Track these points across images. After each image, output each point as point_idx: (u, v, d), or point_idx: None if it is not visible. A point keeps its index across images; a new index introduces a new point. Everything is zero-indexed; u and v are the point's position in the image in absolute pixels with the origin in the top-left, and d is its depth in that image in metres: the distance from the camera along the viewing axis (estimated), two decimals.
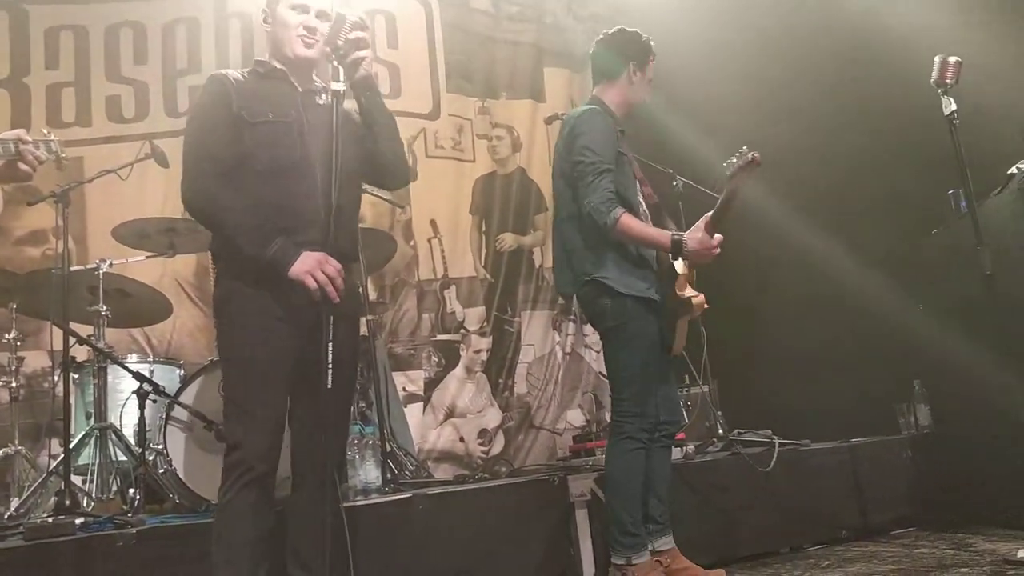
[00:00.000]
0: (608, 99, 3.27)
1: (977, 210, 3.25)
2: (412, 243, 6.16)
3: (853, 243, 4.90)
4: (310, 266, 2.26)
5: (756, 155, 2.86)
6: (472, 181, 6.50)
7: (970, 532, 3.75)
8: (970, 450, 3.91)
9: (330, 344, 2.09)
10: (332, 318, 2.14)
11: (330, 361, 2.08)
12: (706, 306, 3.32)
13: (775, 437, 4.19)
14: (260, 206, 2.34)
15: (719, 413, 4.99)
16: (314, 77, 2.58)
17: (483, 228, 6.48)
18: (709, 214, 3.02)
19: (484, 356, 6.23)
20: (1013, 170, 3.59)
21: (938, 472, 4.15)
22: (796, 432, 4.42)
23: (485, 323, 6.29)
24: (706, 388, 5.10)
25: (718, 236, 3.02)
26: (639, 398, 3.07)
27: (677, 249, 3.00)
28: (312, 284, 2.24)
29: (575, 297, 3.26)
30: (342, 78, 2.27)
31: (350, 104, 2.49)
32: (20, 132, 2.49)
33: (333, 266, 2.27)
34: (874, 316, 4.71)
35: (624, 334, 3.07)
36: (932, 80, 3.34)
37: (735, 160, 2.91)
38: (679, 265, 3.21)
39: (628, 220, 2.99)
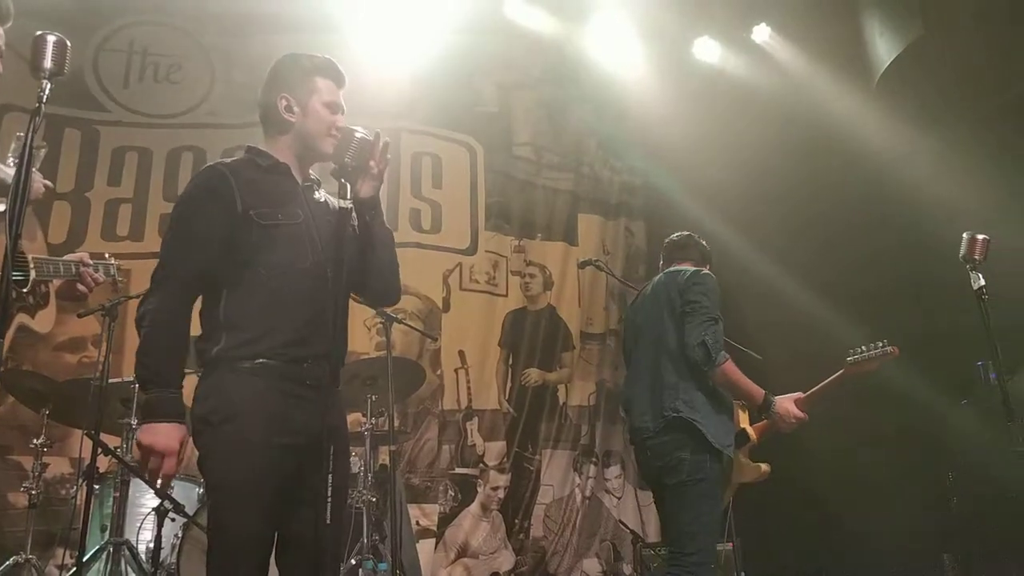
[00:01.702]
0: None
1: (1010, 384, 3.27)
2: (439, 372, 6.21)
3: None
4: (162, 444, 2.07)
5: (895, 349, 3.16)
6: (503, 315, 6.62)
7: None
8: None
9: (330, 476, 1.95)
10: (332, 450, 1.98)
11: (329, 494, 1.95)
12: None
13: None
14: (269, 312, 2.19)
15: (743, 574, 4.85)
16: (310, 171, 2.46)
17: (510, 361, 6.54)
18: (812, 390, 3.25)
19: (501, 494, 6.14)
20: None
21: None
22: None
23: (505, 459, 6.24)
24: (729, 545, 4.98)
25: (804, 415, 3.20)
26: (708, 553, 3.06)
27: (766, 407, 3.18)
28: (144, 458, 2.10)
29: (643, 442, 3.26)
30: (349, 195, 2.16)
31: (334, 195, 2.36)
32: (83, 255, 2.61)
33: (172, 463, 2.10)
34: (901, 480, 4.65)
35: (698, 488, 3.09)
36: (961, 256, 3.43)
37: (865, 349, 3.17)
38: (750, 433, 3.39)
39: (733, 366, 3.15)
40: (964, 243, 3.41)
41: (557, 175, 7.12)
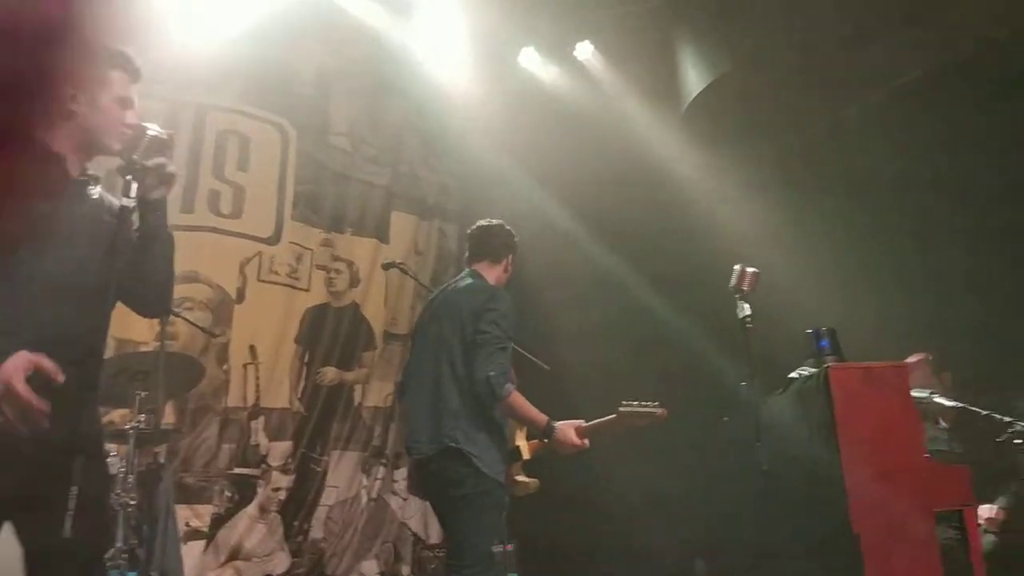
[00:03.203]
0: (489, 278, 3.53)
1: (764, 406, 3.50)
2: (226, 367, 5.86)
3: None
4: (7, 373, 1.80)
5: (663, 411, 3.39)
6: (303, 310, 6.35)
7: None
8: None
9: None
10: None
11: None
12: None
13: None
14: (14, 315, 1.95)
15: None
16: (86, 166, 2.25)
17: (306, 359, 6.28)
18: (590, 423, 3.38)
19: (283, 495, 5.88)
20: (794, 374, 3.88)
21: None
22: None
23: (290, 459, 5.98)
24: (506, 547, 5.01)
25: (585, 441, 3.34)
26: (487, 564, 3.08)
27: (548, 433, 3.28)
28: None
29: (424, 459, 3.23)
30: (133, 193, 2.05)
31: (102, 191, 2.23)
32: None
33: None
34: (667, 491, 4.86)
35: (481, 500, 3.12)
36: (731, 286, 3.62)
37: (638, 404, 3.39)
38: (524, 449, 3.49)
39: (517, 396, 3.21)
40: (735, 275, 3.61)
41: (374, 169, 6.94)
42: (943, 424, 4.33)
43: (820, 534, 3.41)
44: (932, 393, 4.02)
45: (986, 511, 3.96)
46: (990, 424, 3.80)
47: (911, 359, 4.38)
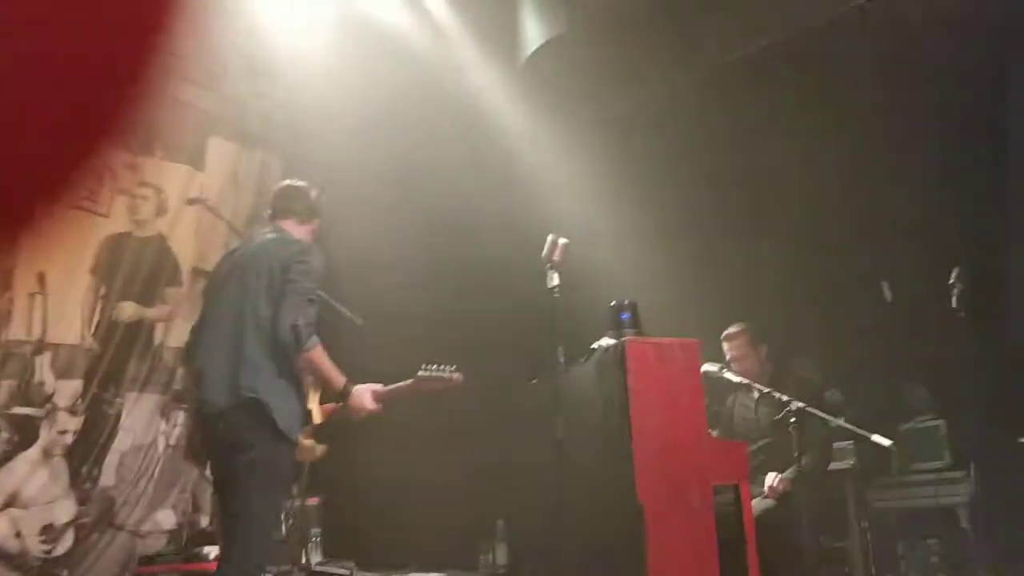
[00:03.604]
0: (298, 236, 3.44)
1: (564, 374, 3.57)
2: (8, 296, 5.32)
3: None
4: None
5: (458, 376, 3.45)
6: (101, 238, 5.84)
7: None
8: None
9: None
10: None
11: None
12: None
13: (355, 570, 4.13)
14: None
15: (319, 531, 4.83)
16: None
17: (102, 292, 5.81)
18: (387, 388, 3.39)
19: (69, 438, 5.46)
20: (595, 345, 3.96)
21: None
22: (384, 559, 4.40)
23: (79, 400, 5.56)
24: (312, 501, 4.94)
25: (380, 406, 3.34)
26: (266, 531, 3.07)
27: (344, 395, 3.27)
28: None
29: (212, 416, 3.12)
30: None
31: None
32: None
33: None
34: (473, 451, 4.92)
35: (267, 469, 3.04)
36: (543, 255, 3.63)
37: (436, 368, 3.43)
38: (315, 413, 3.40)
39: (321, 351, 3.14)
40: (547, 245, 3.63)
41: (193, 91, 6.40)
42: (755, 393, 4.36)
43: (609, 502, 3.54)
44: (722, 367, 4.24)
45: (770, 479, 4.20)
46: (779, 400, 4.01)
47: (732, 328, 4.59)
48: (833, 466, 4.45)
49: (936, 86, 4.48)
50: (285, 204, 3.52)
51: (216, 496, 3.58)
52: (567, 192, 4.98)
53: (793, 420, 3.83)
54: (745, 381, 4.23)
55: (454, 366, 3.44)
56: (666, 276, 4.77)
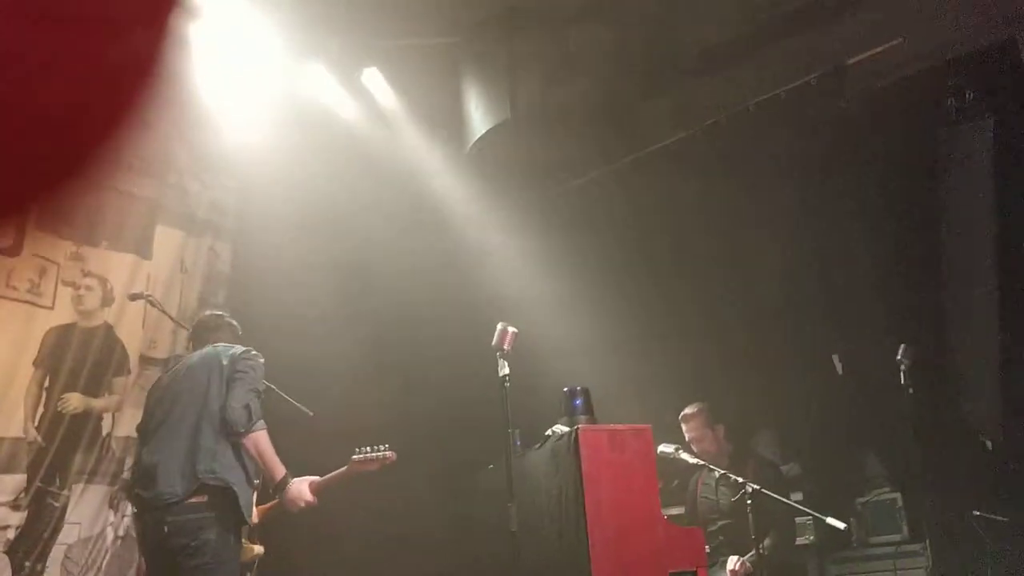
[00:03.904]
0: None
1: (522, 459, 3.55)
2: None
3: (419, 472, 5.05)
4: None
5: (392, 454, 3.50)
6: (44, 330, 5.71)
7: None
8: None
9: None
10: None
11: None
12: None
13: None
14: None
15: None
16: None
17: (46, 384, 5.66)
18: (324, 478, 3.43)
19: (12, 534, 5.27)
20: (549, 432, 3.94)
21: None
22: None
23: (23, 494, 5.36)
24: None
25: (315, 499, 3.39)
26: None
27: (281, 486, 3.30)
28: None
29: (163, 510, 3.13)
30: None
31: None
32: None
33: None
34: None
35: (218, 572, 3.09)
36: (492, 344, 3.63)
37: (370, 450, 3.48)
38: (255, 516, 3.44)
39: (267, 437, 3.27)
40: (496, 334, 3.63)
41: (138, 180, 6.36)
42: (716, 473, 4.35)
43: None
44: (678, 448, 4.24)
45: (732, 563, 4.16)
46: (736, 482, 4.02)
47: (688, 409, 4.60)
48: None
49: (872, 169, 4.63)
50: (208, 334, 3.75)
51: None
52: (515, 274, 5.02)
53: (750, 502, 3.82)
54: (700, 462, 4.23)
55: (386, 445, 3.53)
56: (618, 355, 4.80)
